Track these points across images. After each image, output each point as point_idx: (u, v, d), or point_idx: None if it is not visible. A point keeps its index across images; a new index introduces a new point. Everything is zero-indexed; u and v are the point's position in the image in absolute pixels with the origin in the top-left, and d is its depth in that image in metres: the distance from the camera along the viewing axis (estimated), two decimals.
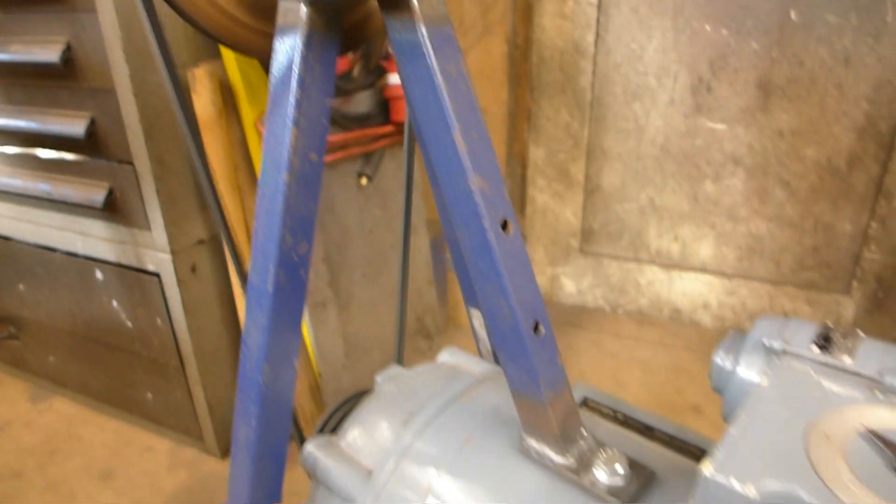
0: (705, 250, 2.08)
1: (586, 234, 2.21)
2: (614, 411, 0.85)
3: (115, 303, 1.52)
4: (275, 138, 0.63)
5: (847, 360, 0.67)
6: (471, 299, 0.96)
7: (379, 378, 0.89)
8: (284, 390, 0.70)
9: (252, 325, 0.66)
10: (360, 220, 1.61)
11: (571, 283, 2.30)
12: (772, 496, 0.44)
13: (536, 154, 2.15)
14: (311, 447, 0.80)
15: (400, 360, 1.12)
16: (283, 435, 0.72)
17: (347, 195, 1.57)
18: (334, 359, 1.59)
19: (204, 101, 1.30)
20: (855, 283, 1.94)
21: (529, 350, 0.63)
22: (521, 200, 2.22)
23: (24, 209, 1.56)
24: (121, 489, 1.57)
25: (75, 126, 1.30)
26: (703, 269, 2.10)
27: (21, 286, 1.70)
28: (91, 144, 1.32)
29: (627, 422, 0.83)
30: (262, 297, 0.65)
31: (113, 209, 1.38)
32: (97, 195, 1.35)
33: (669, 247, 2.11)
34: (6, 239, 1.64)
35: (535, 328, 0.64)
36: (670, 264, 2.14)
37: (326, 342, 1.57)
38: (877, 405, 0.54)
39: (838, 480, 0.45)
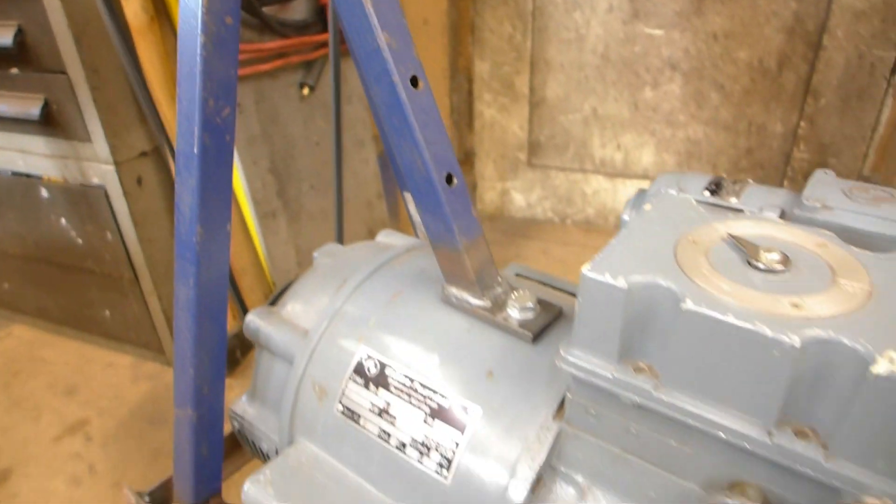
0: (647, 157, 2.15)
1: (533, 147, 2.26)
2: (543, 282, 0.92)
3: (63, 220, 1.53)
4: (188, 2, 0.65)
5: (733, 200, 0.74)
6: (404, 183, 1.01)
7: (316, 254, 0.94)
8: (219, 252, 0.74)
9: (182, 188, 0.70)
10: (305, 133, 1.63)
11: (521, 197, 2.36)
12: (637, 285, 0.50)
13: (482, 68, 2.17)
14: (252, 316, 0.86)
15: (340, 241, 1.17)
16: (221, 295, 0.77)
17: (290, 106, 1.58)
18: (287, 268, 1.64)
19: (134, 7, 1.29)
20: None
21: (443, 200, 0.69)
22: (469, 116, 2.25)
23: None
24: (86, 402, 1.62)
25: (2, 36, 1.28)
26: (644, 176, 2.18)
27: None
28: (21, 55, 1.30)
29: (554, 286, 0.90)
30: (190, 161, 0.68)
31: (50, 122, 1.37)
32: (33, 108, 1.34)
33: (613, 156, 2.18)
34: None
35: (449, 180, 0.69)
36: (614, 173, 2.21)
37: (278, 252, 1.61)
38: (743, 219, 0.61)
39: (696, 271, 0.51)
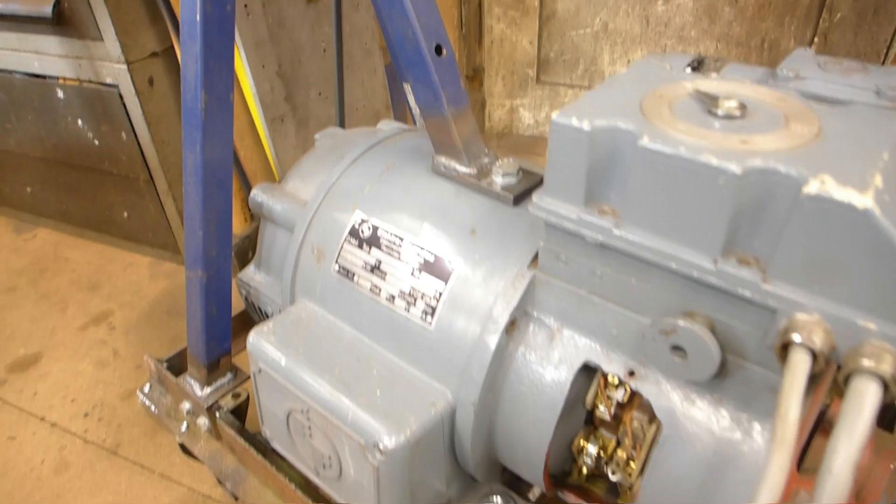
0: None
1: (543, 64, 2.25)
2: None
3: (80, 122, 1.58)
4: None
5: (713, 76, 0.77)
6: (403, 75, 1.04)
7: (318, 136, 0.98)
8: (223, 121, 0.79)
9: (187, 56, 0.74)
10: (312, 39, 1.65)
11: (529, 115, 2.37)
12: (599, 128, 0.54)
13: None
14: (257, 190, 0.92)
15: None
16: (227, 163, 0.82)
17: (297, 10, 1.59)
18: None
19: None
20: None
21: (432, 69, 0.72)
22: (478, 30, 2.23)
23: None
24: (108, 297, 1.71)
25: None
26: None
27: None
28: None
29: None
30: (193, 29, 0.72)
31: (63, 21, 1.40)
32: (45, 6, 1.37)
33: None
34: None
35: (438, 50, 0.73)
36: None
37: (287, 157, 1.66)
38: (712, 79, 0.65)
39: (657, 117, 0.55)
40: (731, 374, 0.57)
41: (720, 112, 0.55)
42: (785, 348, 0.49)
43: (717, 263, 0.52)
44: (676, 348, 0.55)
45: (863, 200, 0.43)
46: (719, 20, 1.98)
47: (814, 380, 0.52)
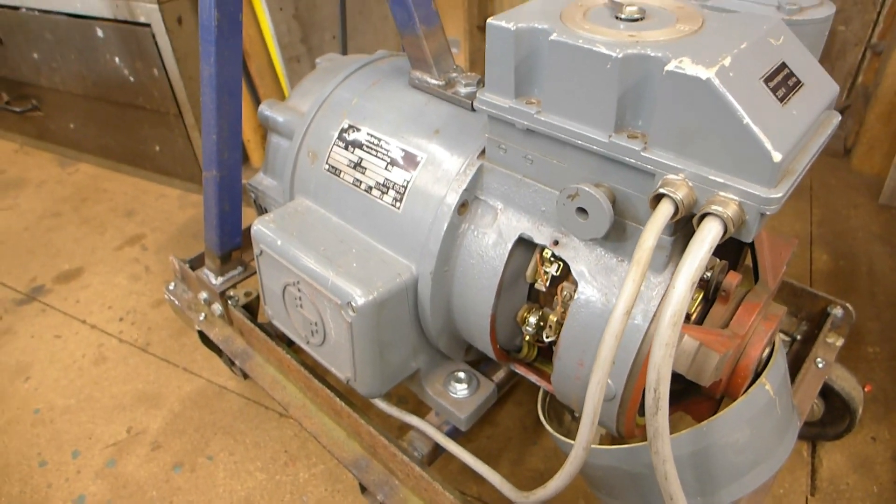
0: None
1: None
2: None
3: (117, 59, 1.74)
4: None
5: None
6: None
7: (318, 60, 1.11)
8: (233, 37, 0.92)
9: None
10: None
11: None
12: (522, 29, 0.66)
13: None
14: (264, 106, 1.05)
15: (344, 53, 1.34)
16: (237, 74, 0.95)
17: None
18: None
19: None
20: None
21: None
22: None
23: None
24: (142, 222, 1.89)
25: None
26: None
27: (35, 55, 1.92)
28: None
29: None
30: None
31: None
32: None
33: None
34: (15, 9, 1.83)
35: None
36: None
37: None
38: None
39: (571, 21, 0.67)
40: (629, 238, 0.70)
41: (623, 15, 0.67)
42: (657, 200, 0.61)
43: (610, 138, 0.64)
44: (580, 210, 0.67)
45: (706, 73, 0.55)
46: None
47: (678, 225, 0.65)
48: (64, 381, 1.41)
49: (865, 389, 1.25)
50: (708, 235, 0.57)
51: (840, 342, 1.03)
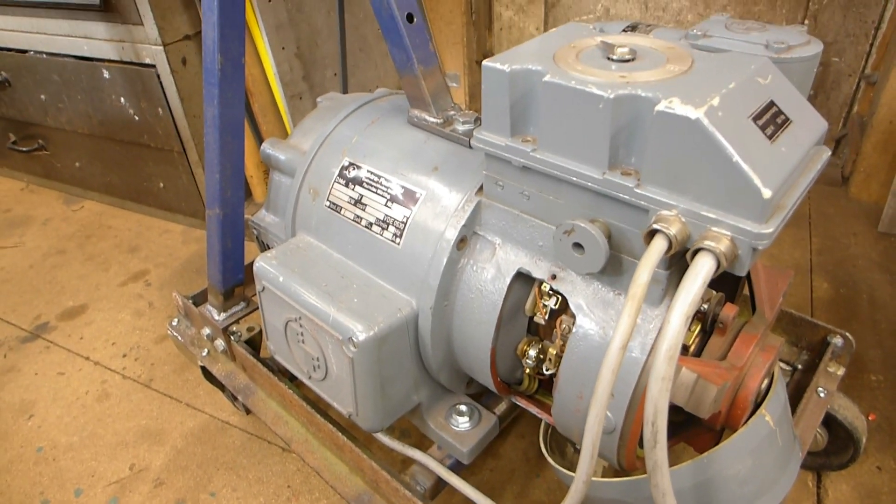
0: None
1: None
2: None
3: (122, 99, 1.77)
4: None
5: (644, 37, 0.90)
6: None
7: (319, 99, 1.14)
8: (236, 81, 0.95)
9: (207, 25, 0.90)
10: (328, 23, 1.81)
11: None
12: (516, 70, 0.68)
13: None
14: (266, 144, 1.08)
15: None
16: (239, 116, 0.98)
17: None
18: None
19: None
20: None
21: (404, 34, 0.87)
22: (488, 17, 2.37)
23: (34, 21, 1.78)
24: (145, 258, 1.91)
25: None
26: None
27: (42, 96, 1.96)
28: None
29: None
30: (211, 1, 0.88)
31: (109, 8, 1.59)
32: None
33: None
34: (24, 52, 1.88)
35: (410, 18, 0.88)
36: None
37: None
38: (622, 35, 0.78)
39: (564, 62, 0.69)
40: (625, 272, 0.71)
41: (615, 56, 0.69)
42: (651, 236, 0.62)
43: (604, 175, 0.65)
44: (576, 245, 0.69)
45: (696, 113, 0.57)
46: (714, 4, 2.08)
47: (673, 259, 0.66)
48: (67, 418, 1.41)
49: (869, 418, 1.25)
50: (701, 270, 0.58)
51: (841, 371, 1.03)
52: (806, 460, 1.13)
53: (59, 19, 1.72)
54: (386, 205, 0.89)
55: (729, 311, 0.77)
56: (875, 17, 1.92)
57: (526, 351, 0.86)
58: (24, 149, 2.16)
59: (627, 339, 0.58)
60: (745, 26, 0.83)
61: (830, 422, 1.07)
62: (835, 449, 1.12)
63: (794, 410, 0.97)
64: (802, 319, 1.09)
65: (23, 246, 2.01)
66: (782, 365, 1.10)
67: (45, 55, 1.83)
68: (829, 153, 0.68)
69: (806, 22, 1.99)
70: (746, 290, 0.90)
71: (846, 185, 2.04)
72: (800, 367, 1.10)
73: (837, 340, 1.06)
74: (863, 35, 1.96)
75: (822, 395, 1.00)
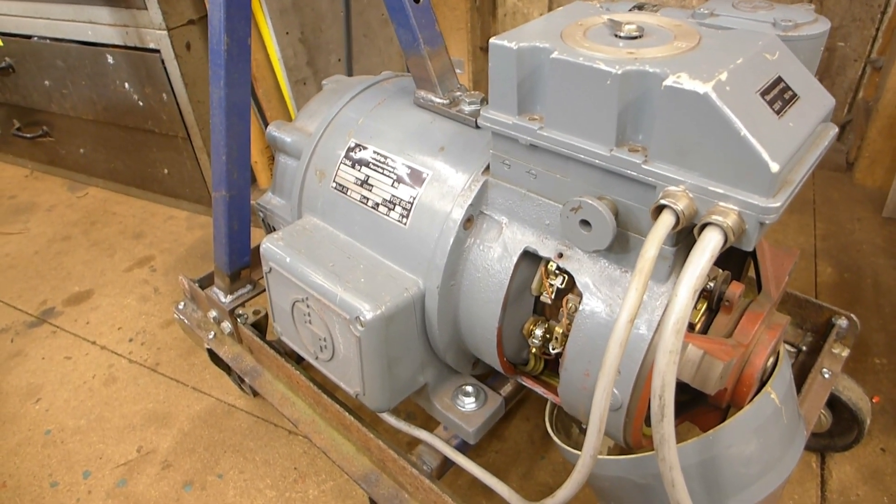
0: None
1: None
2: None
3: (126, 85, 1.77)
4: None
5: (652, 14, 0.89)
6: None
7: (325, 81, 1.14)
8: (242, 62, 0.95)
9: (213, 6, 0.90)
10: (332, 8, 1.80)
11: None
12: (524, 48, 0.68)
13: None
14: (272, 127, 1.08)
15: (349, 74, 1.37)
16: (245, 97, 0.98)
17: None
18: None
19: None
20: None
21: (410, 14, 0.87)
22: (492, 3, 2.36)
23: (38, 5, 1.77)
24: (150, 244, 1.91)
25: None
26: None
27: (46, 82, 1.96)
28: None
29: None
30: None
31: None
32: None
33: None
34: (28, 37, 1.87)
35: None
36: None
37: None
38: (628, 13, 0.78)
39: (571, 39, 0.69)
40: (632, 249, 0.71)
41: (622, 34, 0.69)
42: (658, 212, 0.62)
43: (612, 152, 0.65)
44: (584, 222, 0.69)
45: (704, 87, 0.57)
46: None
47: (680, 235, 0.66)
48: (74, 401, 1.42)
49: (874, 401, 1.25)
50: (709, 244, 0.58)
51: (846, 353, 1.04)
52: (810, 441, 1.13)
53: (64, 4, 1.72)
54: (392, 185, 0.89)
55: (735, 289, 0.77)
56: (881, 2, 1.91)
57: (532, 330, 0.87)
58: (29, 135, 2.16)
59: (635, 312, 0.58)
60: (752, 4, 0.82)
61: (835, 403, 1.08)
62: (839, 430, 1.12)
63: (798, 392, 0.98)
64: (807, 301, 1.09)
65: (28, 232, 2.01)
66: (787, 347, 1.11)
67: (49, 40, 1.83)
68: (837, 130, 0.68)
69: (811, 5, 1.98)
70: (752, 273, 0.90)
71: (851, 171, 2.03)
72: (804, 348, 1.10)
73: (842, 322, 1.06)
74: (869, 19, 1.95)
75: (826, 376, 1.00)
